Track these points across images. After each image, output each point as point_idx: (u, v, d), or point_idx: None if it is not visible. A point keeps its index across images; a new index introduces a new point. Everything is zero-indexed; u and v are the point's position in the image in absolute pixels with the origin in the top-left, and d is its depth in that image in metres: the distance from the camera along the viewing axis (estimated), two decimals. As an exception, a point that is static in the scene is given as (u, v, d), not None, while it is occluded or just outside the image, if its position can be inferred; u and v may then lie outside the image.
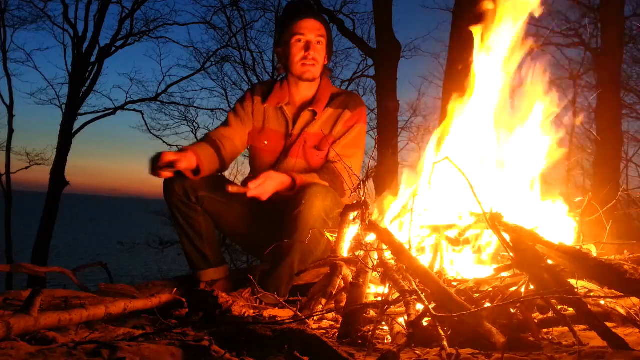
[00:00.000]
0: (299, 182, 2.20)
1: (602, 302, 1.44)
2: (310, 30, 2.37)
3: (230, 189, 2.18)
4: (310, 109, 2.43)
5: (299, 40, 2.37)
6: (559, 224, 1.94)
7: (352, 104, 2.45)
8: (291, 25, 2.38)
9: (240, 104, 2.53)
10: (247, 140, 2.54)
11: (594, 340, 1.26)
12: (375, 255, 1.67)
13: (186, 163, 2.21)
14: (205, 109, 14.06)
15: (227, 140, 2.45)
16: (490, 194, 1.89)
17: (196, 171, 2.27)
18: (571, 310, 1.32)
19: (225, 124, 2.52)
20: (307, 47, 2.36)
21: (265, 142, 2.48)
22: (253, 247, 2.53)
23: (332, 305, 1.75)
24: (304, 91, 2.46)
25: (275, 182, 2.19)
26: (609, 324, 1.30)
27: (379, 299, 1.61)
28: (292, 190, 2.20)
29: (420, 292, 1.34)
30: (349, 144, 2.41)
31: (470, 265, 1.82)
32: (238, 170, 11.92)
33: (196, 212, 2.30)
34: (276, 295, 1.82)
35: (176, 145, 13.56)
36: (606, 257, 1.83)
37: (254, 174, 2.55)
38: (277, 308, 1.87)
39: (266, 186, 2.16)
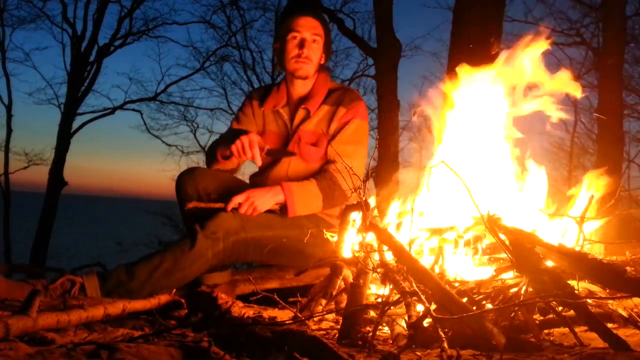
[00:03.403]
0: (286, 192, 2.22)
1: (602, 303, 1.44)
2: (307, 28, 2.35)
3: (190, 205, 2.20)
4: (304, 106, 2.42)
5: (295, 37, 2.36)
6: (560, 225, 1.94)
7: (347, 100, 2.40)
8: (288, 21, 2.37)
9: (241, 112, 2.56)
10: None
11: (595, 341, 1.26)
12: (375, 256, 1.67)
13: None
14: (205, 109, 14.05)
15: None
16: (490, 196, 1.88)
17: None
18: (572, 311, 1.31)
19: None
20: (302, 44, 2.35)
21: (267, 146, 2.48)
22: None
23: (333, 306, 1.75)
24: (299, 88, 2.46)
25: (264, 197, 2.20)
26: (610, 325, 1.30)
27: (380, 300, 1.61)
28: (284, 204, 2.22)
29: (420, 293, 1.34)
30: (347, 141, 2.36)
31: (472, 267, 1.81)
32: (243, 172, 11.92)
33: None
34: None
35: (175, 146, 13.60)
36: (607, 258, 1.82)
37: (258, 174, 2.55)
38: (276, 309, 1.86)
39: (256, 204, 2.17)
